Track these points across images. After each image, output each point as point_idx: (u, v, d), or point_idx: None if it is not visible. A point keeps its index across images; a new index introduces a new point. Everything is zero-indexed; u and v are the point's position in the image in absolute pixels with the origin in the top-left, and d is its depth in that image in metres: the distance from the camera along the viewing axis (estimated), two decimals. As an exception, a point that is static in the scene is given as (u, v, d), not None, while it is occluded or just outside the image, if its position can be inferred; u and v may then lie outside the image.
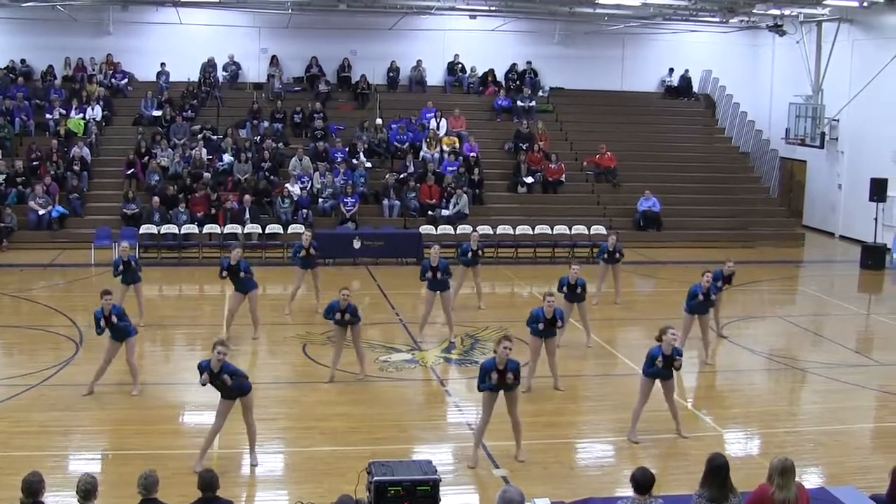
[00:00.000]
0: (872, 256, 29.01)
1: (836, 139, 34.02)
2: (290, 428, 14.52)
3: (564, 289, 18.61)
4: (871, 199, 29.66)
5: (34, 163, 30.14)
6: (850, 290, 27.25)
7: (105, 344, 15.71)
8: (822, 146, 34.02)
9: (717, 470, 9.10)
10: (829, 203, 35.02)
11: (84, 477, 9.06)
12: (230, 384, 12.65)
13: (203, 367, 12.76)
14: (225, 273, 19.33)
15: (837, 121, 33.72)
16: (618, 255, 22.82)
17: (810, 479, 12.56)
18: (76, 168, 29.93)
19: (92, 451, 13.52)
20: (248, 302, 19.41)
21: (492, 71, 37.30)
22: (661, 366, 13.89)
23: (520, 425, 13.43)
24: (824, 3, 29.60)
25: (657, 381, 14.22)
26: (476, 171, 31.94)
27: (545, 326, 16.06)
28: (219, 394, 12.90)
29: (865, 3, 27.78)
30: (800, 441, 14.43)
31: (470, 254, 22.03)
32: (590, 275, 23.63)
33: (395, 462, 11.21)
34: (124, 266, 19.39)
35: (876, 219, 29.37)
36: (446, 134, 33.67)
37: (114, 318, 15.46)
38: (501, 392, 13.17)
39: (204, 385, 12.79)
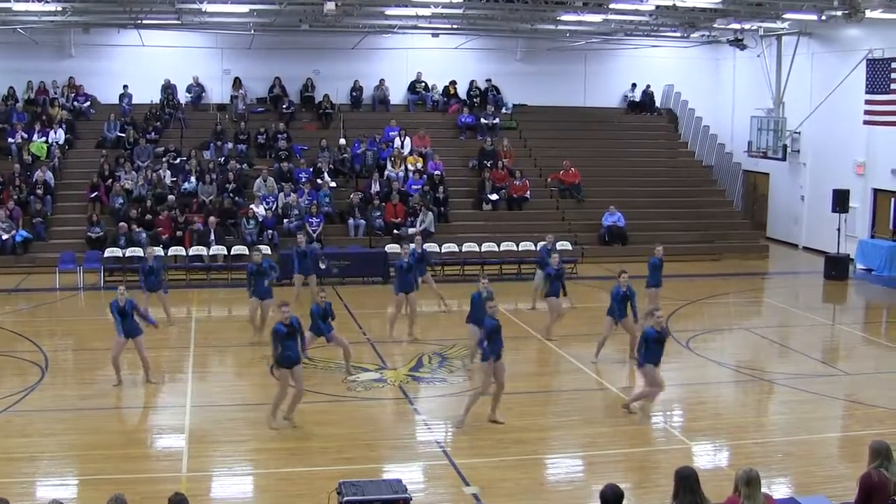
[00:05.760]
0: (836, 267, 29.21)
1: (798, 151, 34.31)
2: (259, 450, 14.42)
3: None
4: (833, 210, 29.87)
5: (-4, 187, 29.90)
6: (814, 301, 27.46)
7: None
8: (784, 158, 34.33)
9: (687, 480, 9.12)
10: (792, 215, 35.28)
11: (51, 504, 8.98)
12: (141, 315, 17.44)
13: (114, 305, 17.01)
14: (254, 268, 20.56)
15: (799, 133, 34.03)
16: None
17: (780, 489, 12.64)
18: (39, 192, 29.63)
19: (59, 476, 13.36)
20: (261, 310, 20.39)
21: (455, 85, 37.40)
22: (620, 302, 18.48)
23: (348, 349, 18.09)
24: (784, 17, 29.84)
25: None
26: (441, 189, 31.93)
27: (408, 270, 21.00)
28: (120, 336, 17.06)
29: (824, 17, 27.99)
30: (768, 452, 14.51)
31: (417, 255, 22.80)
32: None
33: (366, 482, 11.20)
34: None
35: (839, 229, 29.58)
36: (410, 153, 33.68)
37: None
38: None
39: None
